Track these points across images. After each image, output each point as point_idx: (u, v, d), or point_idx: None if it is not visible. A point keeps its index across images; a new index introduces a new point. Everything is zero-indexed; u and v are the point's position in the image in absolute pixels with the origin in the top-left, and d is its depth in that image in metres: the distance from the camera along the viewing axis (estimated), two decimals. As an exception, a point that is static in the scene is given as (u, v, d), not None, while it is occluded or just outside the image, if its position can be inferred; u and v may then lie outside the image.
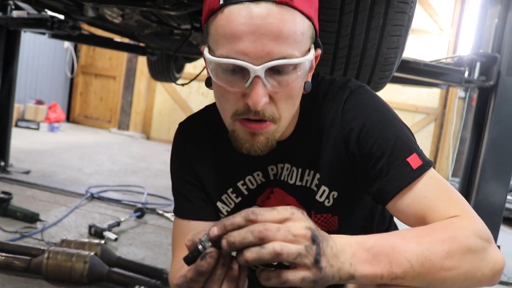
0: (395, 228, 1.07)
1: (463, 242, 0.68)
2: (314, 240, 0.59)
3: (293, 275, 0.59)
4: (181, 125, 1.02)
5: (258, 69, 0.71)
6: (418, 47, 6.28)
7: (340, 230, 0.93)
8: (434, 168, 0.81)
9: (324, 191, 0.90)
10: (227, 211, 0.98)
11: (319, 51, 0.83)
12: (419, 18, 6.35)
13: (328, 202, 0.91)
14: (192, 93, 7.07)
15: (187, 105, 7.09)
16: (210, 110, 0.98)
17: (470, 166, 2.78)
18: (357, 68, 1.40)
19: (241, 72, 0.74)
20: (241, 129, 0.79)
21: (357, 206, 0.93)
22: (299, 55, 0.74)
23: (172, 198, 3.27)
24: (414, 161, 0.78)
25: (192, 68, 6.06)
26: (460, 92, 6.20)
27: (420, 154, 0.80)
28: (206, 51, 0.77)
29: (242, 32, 0.71)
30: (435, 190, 0.77)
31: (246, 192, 0.96)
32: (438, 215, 0.74)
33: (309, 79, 0.83)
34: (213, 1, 0.75)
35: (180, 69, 4.35)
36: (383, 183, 0.79)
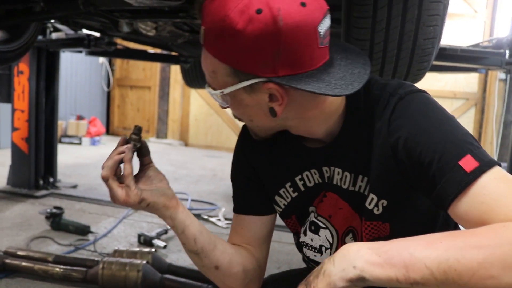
0: None
1: (507, 251, 0.61)
2: None
3: None
4: (244, 126, 1.08)
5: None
6: (452, 31, 6.11)
7: (392, 236, 0.90)
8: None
9: (372, 199, 0.89)
10: (284, 204, 1.03)
11: (270, 85, 0.80)
12: (452, 1, 6.17)
13: (377, 210, 0.89)
14: (226, 97, 7.12)
15: (222, 109, 7.15)
16: None
17: (517, 150, 2.69)
18: (394, 62, 1.38)
19: None
20: None
21: (411, 213, 0.90)
22: (215, 88, 0.85)
23: (215, 202, 3.32)
24: (467, 163, 0.72)
25: (224, 72, 6.11)
26: (501, 74, 6.00)
27: (477, 155, 0.73)
28: None
29: None
30: (496, 194, 0.69)
31: (302, 188, 1.00)
32: (499, 221, 0.67)
33: (274, 106, 0.83)
34: None
35: (213, 74, 4.39)
36: (438, 190, 0.75)
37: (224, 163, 5.70)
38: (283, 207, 1.03)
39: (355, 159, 0.90)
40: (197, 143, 7.39)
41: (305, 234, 1.02)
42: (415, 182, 0.81)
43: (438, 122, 0.80)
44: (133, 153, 0.90)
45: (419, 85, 1.64)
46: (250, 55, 0.76)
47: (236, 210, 1.07)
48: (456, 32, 6.12)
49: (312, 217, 1.00)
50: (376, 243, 0.69)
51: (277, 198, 1.03)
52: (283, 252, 2.50)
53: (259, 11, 0.73)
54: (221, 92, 0.84)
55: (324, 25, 0.78)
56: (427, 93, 0.88)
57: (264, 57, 0.76)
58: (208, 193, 3.85)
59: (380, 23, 1.29)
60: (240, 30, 0.74)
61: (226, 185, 4.27)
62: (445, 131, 0.78)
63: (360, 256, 0.67)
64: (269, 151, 1.02)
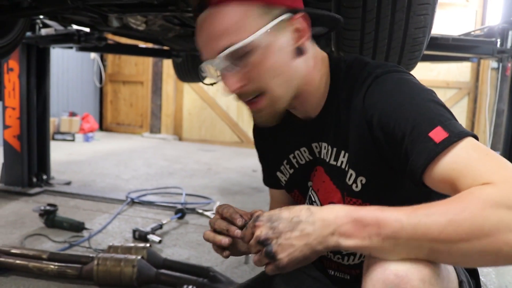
0: None
1: (474, 213, 0.63)
2: (262, 243, 0.75)
3: (267, 269, 0.77)
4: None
5: (215, 65, 0.87)
6: (444, 21, 6.11)
7: None
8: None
9: (351, 174, 0.91)
10: (285, 180, 1.11)
11: (297, 16, 0.87)
12: (443, -9, 6.17)
13: (356, 187, 0.91)
14: (220, 91, 7.08)
15: (215, 103, 7.14)
16: None
17: (510, 138, 2.70)
18: (386, 51, 1.38)
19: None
20: (248, 109, 0.94)
21: (392, 197, 0.88)
22: (243, 38, 0.83)
23: (210, 196, 3.32)
24: (437, 134, 0.73)
25: (216, 66, 6.09)
26: (493, 63, 6.01)
27: (447, 126, 0.74)
28: None
29: (199, 43, 0.89)
30: (466, 160, 0.70)
31: (297, 166, 1.06)
32: (467, 185, 0.68)
33: (302, 43, 0.89)
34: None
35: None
36: (410, 163, 0.76)
37: (218, 156, 5.70)
38: (284, 182, 1.11)
39: (337, 134, 0.93)
40: (191, 137, 7.37)
41: None
42: (392, 160, 0.83)
43: (411, 97, 0.81)
44: None
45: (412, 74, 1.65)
46: None
47: (264, 182, 1.22)
48: (448, 22, 6.12)
49: (310, 191, 1.05)
50: (352, 208, 0.73)
51: (279, 175, 1.11)
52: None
53: None
54: (252, 41, 0.83)
55: None
56: (406, 72, 0.89)
57: None
58: (202, 187, 3.85)
59: (371, 13, 1.29)
60: None
61: (220, 179, 4.26)
62: (417, 105, 0.79)
63: (338, 225, 0.71)
64: (273, 130, 1.07)
